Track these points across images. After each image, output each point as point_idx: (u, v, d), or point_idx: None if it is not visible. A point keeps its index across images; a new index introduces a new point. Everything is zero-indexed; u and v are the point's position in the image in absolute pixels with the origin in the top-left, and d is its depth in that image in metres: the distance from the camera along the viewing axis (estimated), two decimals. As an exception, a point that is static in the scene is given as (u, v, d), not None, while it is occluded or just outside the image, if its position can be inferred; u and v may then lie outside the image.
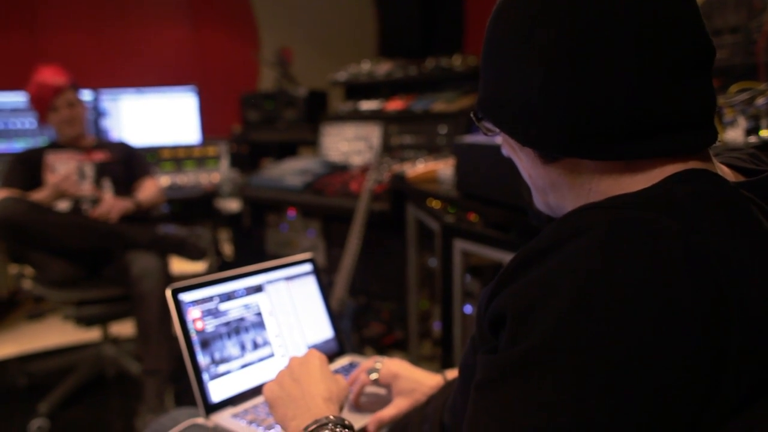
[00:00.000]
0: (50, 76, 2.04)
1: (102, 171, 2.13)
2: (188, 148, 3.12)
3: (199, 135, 3.12)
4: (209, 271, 3.43)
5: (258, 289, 1.02)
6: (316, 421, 0.57)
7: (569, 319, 0.36)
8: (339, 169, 2.60)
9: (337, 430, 0.56)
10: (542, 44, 0.46)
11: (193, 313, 0.91)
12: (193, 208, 2.78)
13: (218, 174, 2.94)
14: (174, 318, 0.88)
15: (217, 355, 0.91)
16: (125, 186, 2.20)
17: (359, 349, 2.14)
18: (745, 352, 0.36)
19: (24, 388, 2.22)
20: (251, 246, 3.09)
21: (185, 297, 0.91)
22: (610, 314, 0.36)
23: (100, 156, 2.16)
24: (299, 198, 2.46)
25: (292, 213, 2.73)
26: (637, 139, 0.45)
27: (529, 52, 0.47)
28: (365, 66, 2.93)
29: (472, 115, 0.56)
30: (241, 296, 0.99)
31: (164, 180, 2.77)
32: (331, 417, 0.58)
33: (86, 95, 2.94)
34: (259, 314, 1.00)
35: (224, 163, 3.15)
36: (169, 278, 2.05)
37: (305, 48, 3.68)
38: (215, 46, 4.05)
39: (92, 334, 2.33)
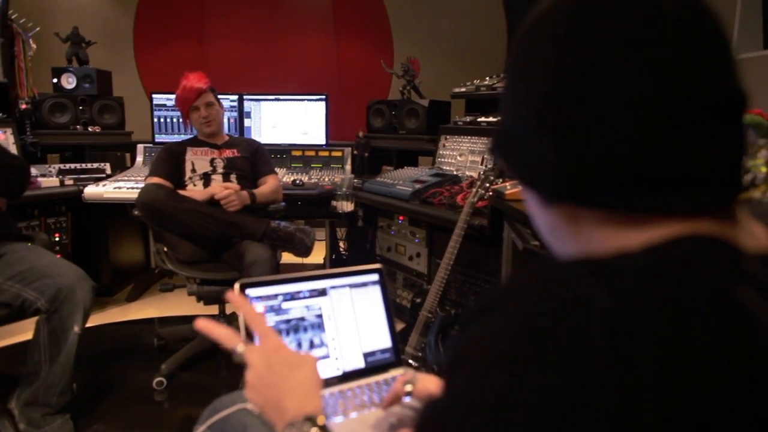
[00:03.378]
0: (194, 80, 2.33)
1: (231, 166, 2.38)
2: (316, 149, 3.35)
3: (325, 138, 3.33)
4: (325, 264, 3.65)
5: (322, 292, 1.09)
6: (288, 425, 0.61)
7: (478, 381, 0.36)
8: (450, 180, 2.62)
9: (307, 427, 0.59)
10: (536, 85, 0.45)
11: (257, 308, 1.00)
12: (312, 205, 2.98)
13: (339, 176, 3.12)
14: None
15: (273, 349, 0.99)
16: (250, 180, 2.43)
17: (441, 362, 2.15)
18: None
19: (155, 347, 2.56)
20: (363, 245, 3.23)
21: (251, 292, 1.01)
22: (515, 387, 0.35)
23: (230, 152, 2.42)
24: (407, 206, 2.52)
25: (401, 218, 2.81)
26: (636, 191, 0.42)
27: (525, 92, 0.46)
28: (487, 81, 2.91)
29: (488, 146, 0.57)
30: (305, 297, 1.06)
31: (290, 177, 3.01)
32: (298, 418, 0.61)
33: (232, 99, 3.30)
34: (319, 316, 1.07)
35: (347, 167, 3.33)
36: (277, 267, 2.23)
37: (434, 59, 3.73)
38: (353, 55, 4.27)
39: (212, 309, 2.61)
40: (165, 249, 2.30)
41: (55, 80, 3.08)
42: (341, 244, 3.58)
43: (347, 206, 2.90)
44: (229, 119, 3.30)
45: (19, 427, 1.80)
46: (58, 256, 2.73)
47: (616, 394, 0.32)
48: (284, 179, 2.98)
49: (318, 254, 3.72)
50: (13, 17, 2.96)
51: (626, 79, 0.41)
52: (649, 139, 0.41)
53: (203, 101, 2.33)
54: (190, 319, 2.83)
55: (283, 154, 3.34)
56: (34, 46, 3.02)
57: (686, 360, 0.33)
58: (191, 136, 2.55)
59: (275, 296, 1.03)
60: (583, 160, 0.43)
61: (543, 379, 0.34)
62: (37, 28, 3.03)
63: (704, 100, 0.41)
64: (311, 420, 0.60)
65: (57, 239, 2.77)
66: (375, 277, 1.16)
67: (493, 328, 0.38)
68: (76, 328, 1.76)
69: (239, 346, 0.72)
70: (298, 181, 2.91)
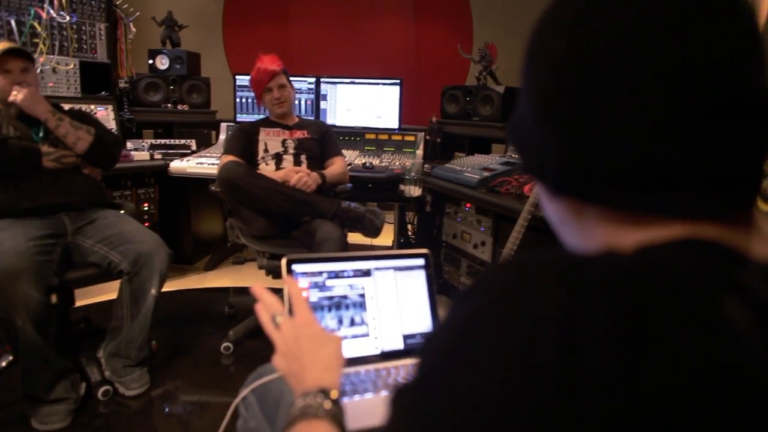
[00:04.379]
0: (268, 62, 2.42)
1: (301, 146, 2.47)
2: (389, 133, 3.39)
3: (398, 122, 3.35)
4: (393, 247, 3.71)
5: (366, 273, 1.12)
6: (303, 394, 0.64)
7: (438, 363, 0.38)
8: (519, 169, 2.57)
9: (319, 399, 0.63)
10: (539, 75, 0.45)
11: (301, 282, 1.05)
12: (381, 188, 3.02)
13: (410, 161, 3.14)
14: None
15: (315, 323, 1.04)
16: (318, 161, 2.51)
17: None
18: None
19: (225, 314, 2.73)
20: (430, 231, 3.24)
21: (297, 268, 1.06)
22: (465, 373, 0.36)
23: (300, 133, 2.50)
24: (473, 193, 2.50)
25: (468, 206, 2.79)
26: (636, 189, 0.40)
27: (531, 82, 0.46)
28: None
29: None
30: (349, 277, 1.10)
31: (362, 159, 3.07)
32: (313, 389, 0.64)
33: (309, 81, 3.39)
34: (362, 296, 1.10)
35: (419, 151, 3.34)
36: (346, 246, 2.30)
37: (513, 45, 3.63)
38: (431, 39, 4.25)
39: (280, 283, 2.73)
40: (239, 224, 2.43)
41: (150, 61, 3.32)
42: (410, 227, 3.61)
43: (415, 191, 2.92)
44: (306, 101, 3.40)
45: (105, 373, 2.00)
46: (146, 224, 2.96)
47: (560, 389, 0.32)
48: (355, 162, 3.04)
49: (387, 237, 3.78)
50: (117, 2, 3.21)
51: (626, 73, 0.39)
52: (649, 137, 0.39)
53: (276, 83, 2.43)
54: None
55: (356, 136, 3.40)
56: (134, 29, 3.26)
57: (631, 360, 0.32)
58: (265, 116, 2.66)
59: (320, 273, 1.08)
60: (581, 155, 0.42)
61: (490, 367, 0.34)
62: (137, 13, 3.26)
63: (715, 97, 0.38)
64: (324, 392, 0.64)
65: (146, 208, 3.00)
66: (421, 261, 1.18)
67: (458, 315, 0.39)
68: (153, 291, 1.92)
69: (278, 316, 0.77)
70: (368, 164, 2.96)
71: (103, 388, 1.95)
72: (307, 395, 0.63)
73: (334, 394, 0.64)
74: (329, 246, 2.15)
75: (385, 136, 3.40)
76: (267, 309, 0.78)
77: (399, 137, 3.39)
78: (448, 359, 0.37)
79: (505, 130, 0.55)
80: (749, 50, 0.40)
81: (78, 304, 2.28)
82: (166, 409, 1.95)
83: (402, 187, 2.93)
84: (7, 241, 1.71)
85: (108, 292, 2.69)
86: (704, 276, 0.36)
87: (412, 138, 3.38)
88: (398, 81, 3.31)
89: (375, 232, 2.33)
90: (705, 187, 0.40)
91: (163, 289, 1.99)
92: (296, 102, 3.38)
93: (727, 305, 0.34)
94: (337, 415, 0.62)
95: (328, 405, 0.62)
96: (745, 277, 0.37)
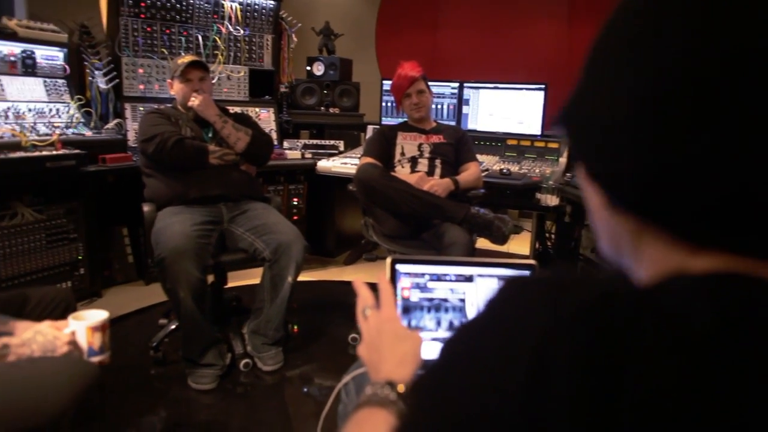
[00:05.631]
0: (408, 68, 2.51)
1: (436, 151, 2.53)
2: (531, 139, 3.30)
3: (540, 128, 3.25)
4: (529, 255, 3.60)
5: (468, 278, 1.14)
6: (374, 384, 0.69)
7: (437, 365, 0.40)
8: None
9: (385, 390, 0.67)
10: (645, 80, 0.38)
11: (403, 282, 1.10)
12: (518, 195, 2.96)
13: (551, 168, 3.03)
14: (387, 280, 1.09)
15: (413, 323, 1.09)
16: (453, 166, 2.54)
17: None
18: None
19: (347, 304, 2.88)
20: (568, 241, 3.10)
21: (401, 267, 1.11)
22: (452, 379, 0.37)
23: (436, 138, 2.56)
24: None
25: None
26: (710, 219, 0.36)
27: (627, 80, 0.40)
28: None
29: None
30: (451, 280, 1.13)
31: (500, 165, 3.03)
32: (384, 380, 0.68)
33: (453, 86, 3.43)
34: (462, 300, 1.12)
35: (562, 159, 3.21)
36: (473, 251, 2.32)
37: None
38: (586, 43, 4.02)
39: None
40: (372, 222, 2.56)
41: (308, 68, 3.62)
42: (548, 237, 3.48)
43: (552, 200, 2.82)
44: (448, 105, 3.45)
45: (247, 348, 2.25)
46: (294, 218, 3.25)
47: (527, 415, 0.33)
48: (493, 167, 3.02)
49: (524, 245, 3.69)
50: (283, 15, 3.56)
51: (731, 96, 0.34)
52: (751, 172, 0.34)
53: (415, 88, 2.51)
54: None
55: (497, 142, 3.36)
56: (295, 39, 3.58)
57: (599, 392, 0.31)
58: (403, 119, 2.77)
59: (422, 275, 1.12)
60: (663, 170, 0.37)
61: (467, 386, 0.36)
62: (299, 25, 3.58)
63: None
64: (392, 385, 0.68)
65: (295, 203, 3.29)
66: (526, 272, 1.16)
67: (464, 326, 0.41)
68: (290, 279, 2.11)
69: (368, 309, 0.83)
70: (505, 171, 2.92)
71: (244, 361, 2.19)
72: (377, 385, 0.68)
73: (401, 388, 0.68)
74: (456, 250, 2.18)
75: (527, 143, 3.32)
76: (361, 302, 0.85)
77: (542, 144, 3.28)
78: (443, 363, 0.40)
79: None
80: None
81: (231, 284, 2.59)
82: (305, 389, 2.14)
83: (538, 195, 2.85)
84: (177, 225, 2.01)
85: (256, 276, 3.02)
86: (706, 309, 0.33)
87: (555, 145, 3.25)
88: (543, 86, 3.22)
89: (502, 239, 2.31)
90: None
91: (306, 279, 2.19)
92: (438, 106, 3.45)
93: (722, 342, 0.32)
94: (399, 408, 0.66)
95: (393, 397, 0.66)
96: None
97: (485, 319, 0.39)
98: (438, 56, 4.40)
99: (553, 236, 3.41)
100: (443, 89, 3.42)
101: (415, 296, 1.10)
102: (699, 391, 0.31)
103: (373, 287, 0.91)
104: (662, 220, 0.39)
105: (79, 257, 2.74)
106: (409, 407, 0.42)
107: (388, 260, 1.10)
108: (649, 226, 0.41)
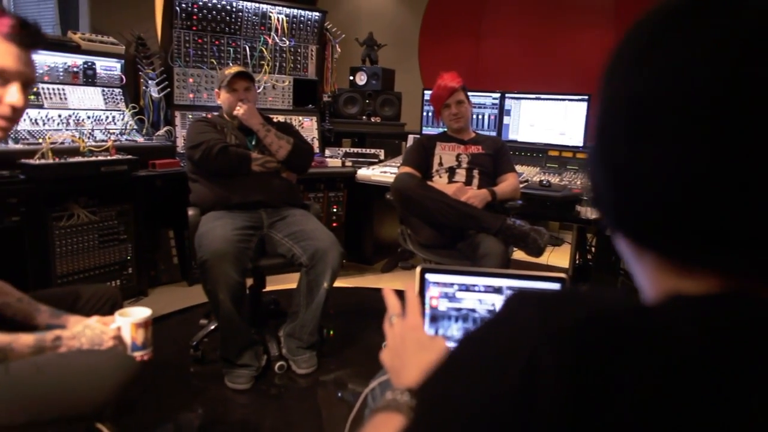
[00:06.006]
0: (448, 79, 2.52)
1: (474, 162, 2.53)
2: (573, 151, 3.26)
3: (583, 140, 3.20)
4: (568, 269, 3.54)
5: (497, 290, 1.14)
6: (391, 391, 0.71)
7: (438, 367, 0.42)
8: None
9: (405, 397, 0.68)
10: (603, 113, 0.43)
11: (432, 291, 1.12)
12: (558, 207, 2.92)
13: (592, 180, 2.98)
14: (416, 290, 1.11)
15: (440, 332, 1.10)
16: (491, 177, 2.54)
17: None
18: None
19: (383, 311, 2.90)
20: (608, 255, 3.03)
21: (430, 277, 1.13)
22: (449, 385, 0.40)
23: (475, 149, 2.56)
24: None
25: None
26: (692, 242, 0.37)
27: (598, 118, 0.44)
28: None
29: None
30: (479, 291, 1.14)
31: (540, 176, 3.01)
32: (400, 387, 0.70)
33: (494, 96, 3.43)
34: (490, 312, 1.13)
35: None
36: (508, 263, 2.31)
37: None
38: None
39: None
40: (408, 231, 2.58)
41: (351, 78, 3.69)
42: (589, 251, 3.41)
43: (592, 212, 2.77)
44: (489, 116, 3.45)
45: (282, 351, 2.31)
46: (334, 224, 3.30)
47: (517, 416, 0.34)
48: (533, 179, 2.99)
49: (563, 257, 3.63)
50: (327, 26, 3.64)
51: (698, 103, 0.36)
52: (712, 190, 0.36)
53: (455, 99, 2.53)
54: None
55: (539, 153, 3.33)
56: (339, 50, 3.66)
57: (580, 408, 0.33)
58: (443, 129, 2.78)
59: (451, 285, 1.13)
60: (631, 191, 0.40)
61: (469, 381, 0.38)
62: (343, 35, 3.66)
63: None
64: (411, 391, 0.70)
65: (334, 210, 3.35)
66: (556, 286, 1.16)
67: (467, 336, 0.43)
68: (325, 285, 2.16)
69: (394, 317, 0.86)
70: (545, 182, 2.89)
71: (279, 363, 2.25)
72: (396, 391, 0.70)
73: None
74: (491, 261, 2.18)
75: (569, 154, 3.27)
76: (389, 309, 0.88)
77: (584, 155, 3.23)
78: (444, 368, 0.42)
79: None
80: None
81: (269, 288, 2.65)
82: (339, 394, 2.18)
83: (579, 207, 2.80)
84: (219, 229, 2.09)
85: (294, 281, 3.08)
86: (694, 326, 0.34)
87: (598, 157, 3.19)
88: (586, 97, 3.17)
89: (538, 251, 2.29)
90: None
91: (343, 285, 2.23)
92: (479, 116, 3.44)
93: (713, 358, 0.33)
94: None
95: (411, 403, 0.68)
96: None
97: (484, 331, 0.41)
98: (481, 66, 4.40)
99: (593, 249, 3.35)
100: (484, 99, 3.41)
101: (444, 305, 1.11)
102: (675, 401, 0.32)
103: (401, 295, 0.94)
104: (655, 245, 0.41)
105: (128, 257, 2.87)
106: (414, 409, 0.44)
107: (418, 270, 1.12)
108: (645, 249, 0.43)
